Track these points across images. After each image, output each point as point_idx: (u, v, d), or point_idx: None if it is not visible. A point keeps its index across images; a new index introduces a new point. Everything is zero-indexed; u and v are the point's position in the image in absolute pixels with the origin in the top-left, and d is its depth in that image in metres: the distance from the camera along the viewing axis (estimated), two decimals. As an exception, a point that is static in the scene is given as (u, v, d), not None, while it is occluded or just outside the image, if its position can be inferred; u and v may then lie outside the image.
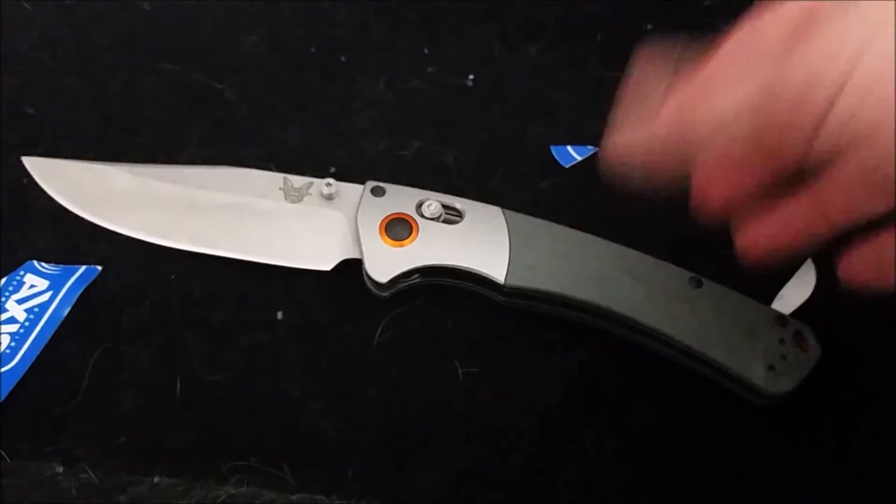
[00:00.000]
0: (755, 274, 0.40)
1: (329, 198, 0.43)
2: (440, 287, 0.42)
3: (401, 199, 0.42)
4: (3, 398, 0.38)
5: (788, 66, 0.28)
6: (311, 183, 0.44)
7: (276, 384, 0.39)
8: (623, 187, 0.34)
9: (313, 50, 0.51)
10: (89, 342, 0.40)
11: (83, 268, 0.42)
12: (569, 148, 0.47)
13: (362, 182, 0.43)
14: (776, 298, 0.40)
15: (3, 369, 0.39)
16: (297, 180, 0.44)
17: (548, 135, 0.48)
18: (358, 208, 0.42)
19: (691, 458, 0.38)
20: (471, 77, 0.50)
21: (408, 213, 0.42)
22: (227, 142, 0.47)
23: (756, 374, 0.38)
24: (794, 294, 0.41)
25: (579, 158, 0.47)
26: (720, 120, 0.30)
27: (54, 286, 0.41)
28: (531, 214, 0.42)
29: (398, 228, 0.41)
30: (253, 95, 0.49)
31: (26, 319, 0.40)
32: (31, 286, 0.41)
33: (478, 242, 0.41)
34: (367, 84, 0.49)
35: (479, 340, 0.41)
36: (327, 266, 0.42)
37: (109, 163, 0.45)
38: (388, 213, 0.42)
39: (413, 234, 0.41)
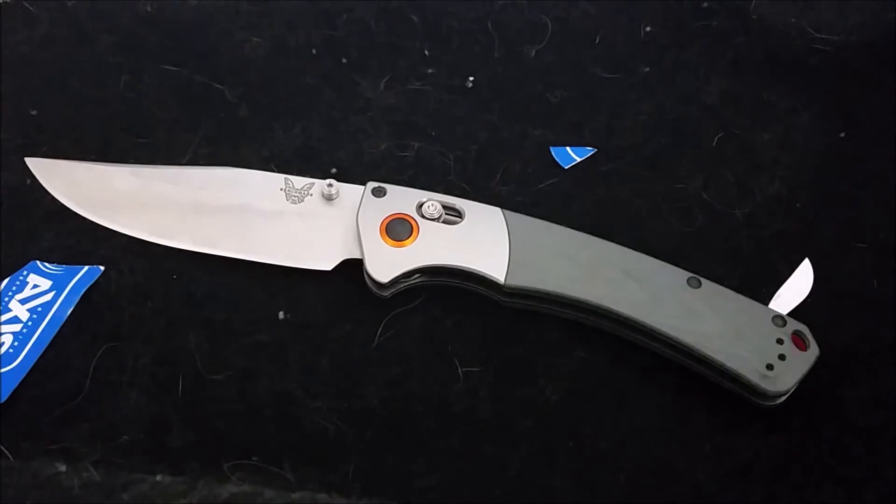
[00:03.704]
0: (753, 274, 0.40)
1: (330, 198, 0.43)
2: (440, 287, 0.42)
3: (401, 199, 0.42)
4: (6, 397, 0.38)
5: None
6: (313, 183, 0.44)
7: (277, 383, 0.40)
8: None
9: (314, 51, 0.51)
10: (92, 342, 0.40)
11: (86, 268, 0.42)
12: (568, 149, 0.47)
13: (363, 182, 0.43)
14: (774, 298, 0.41)
15: (6, 369, 0.39)
16: (299, 181, 0.44)
17: (547, 135, 0.48)
18: (359, 209, 0.42)
19: (690, 458, 0.38)
20: (471, 78, 0.50)
21: (408, 213, 0.42)
22: (229, 143, 0.47)
23: (754, 373, 0.38)
24: (793, 294, 0.41)
25: (579, 159, 0.47)
26: None
27: (57, 286, 0.41)
28: (531, 214, 0.42)
29: (399, 229, 0.42)
30: (254, 96, 0.49)
31: (29, 319, 0.40)
32: (35, 286, 0.41)
33: (478, 242, 0.41)
34: (368, 85, 0.50)
35: (479, 340, 0.41)
36: (328, 266, 0.42)
37: (112, 163, 0.45)
38: (389, 214, 0.42)
39: (413, 234, 0.41)
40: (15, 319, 0.40)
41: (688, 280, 0.40)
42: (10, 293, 0.41)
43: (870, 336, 0.42)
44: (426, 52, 0.51)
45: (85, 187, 0.44)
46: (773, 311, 0.40)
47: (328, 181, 0.43)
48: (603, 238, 0.42)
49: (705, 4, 0.54)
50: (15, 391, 0.39)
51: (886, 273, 0.43)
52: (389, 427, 0.39)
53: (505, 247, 0.41)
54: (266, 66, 0.50)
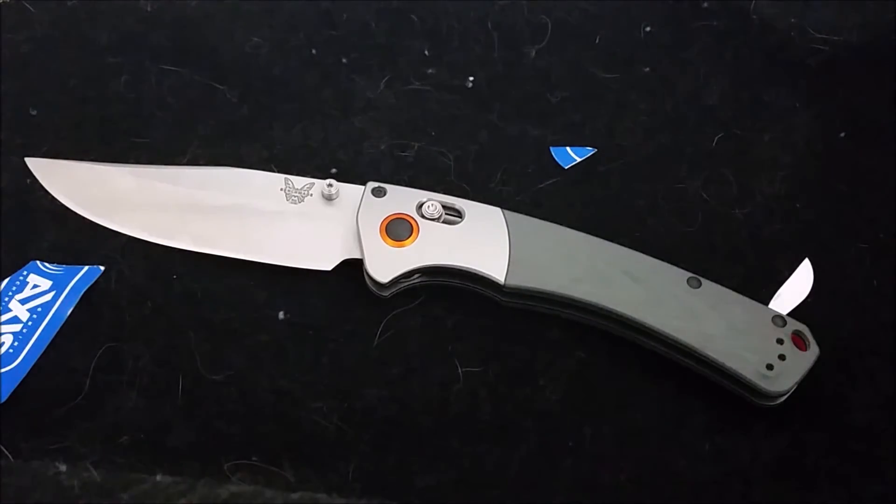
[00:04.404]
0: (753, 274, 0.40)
1: (330, 198, 0.43)
2: (440, 287, 0.42)
3: (401, 199, 0.42)
4: (6, 397, 0.38)
5: None
6: (313, 183, 0.44)
7: (277, 383, 0.40)
8: None
9: (314, 51, 0.51)
10: (92, 342, 0.40)
11: (86, 268, 0.42)
12: (568, 149, 0.47)
13: (363, 183, 0.43)
14: (774, 298, 0.41)
15: (7, 369, 0.39)
16: (299, 181, 0.44)
17: (547, 135, 0.48)
18: (359, 209, 0.42)
19: (690, 458, 0.38)
20: (471, 78, 0.50)
21: (408, 213, 0.42)
22: (229, 143, 0.47)
23: (754, 373, 0.38)
24: (792, 294, 0.41)
25: (579, 159, 0.47)
26: None
27: (57, 286, 0.41)
28: (531, 214, 0.43)
29: (399, 229, 0.42)
30: (254, 96, 0.49)
31: (29, 319, 0.40)
32: (35, 286, 0.41)
33: (478, 242, 0.41)
34: (368, 85, 0.50)
35: (479, 340, 0.41)
36: (328, 266, 0.42)
37: (112, 163, 0.45)
38: (389, 214, 0.42)
39: (413, 234, 0.41)
40: (15, 319, 0.40)
41: (688, 280, 0.40)
42: (10, 293, 0.41)
43: (870, 336, 0.42)
44: (426, 52, 0.51)
45: (85, 187, 0.44)
46: (773, 311, 0.40)
47: (328, 181, 0.43)
48: (603, 238, 0.42)
49: (705, 4, 0.54)
50: (15, 391, 0.39)
51: (886, 273, 0.43)
52: (389, 427, 0.39)
53: (505, 247, 0.41)
54: (266, 66, 0.50)
